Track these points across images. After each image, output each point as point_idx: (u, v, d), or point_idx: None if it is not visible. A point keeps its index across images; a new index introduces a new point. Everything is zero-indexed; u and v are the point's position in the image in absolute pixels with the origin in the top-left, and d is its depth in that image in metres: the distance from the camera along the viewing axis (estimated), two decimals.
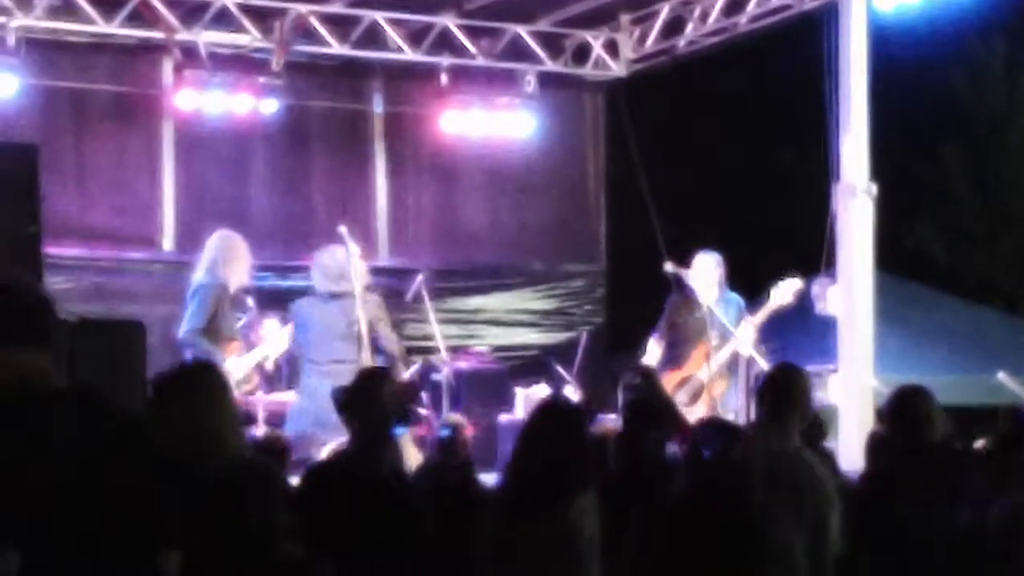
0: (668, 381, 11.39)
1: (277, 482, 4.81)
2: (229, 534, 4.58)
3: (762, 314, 11.69)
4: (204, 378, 4.96)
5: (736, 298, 11.96)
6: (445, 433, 8.60)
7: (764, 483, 6.31)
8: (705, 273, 11.78)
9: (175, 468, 4.26)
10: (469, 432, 8.82)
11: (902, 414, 6.94)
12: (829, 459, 7.63)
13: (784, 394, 6.55)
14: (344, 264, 10.70)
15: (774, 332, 11.85)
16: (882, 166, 12.24)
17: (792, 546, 6.31)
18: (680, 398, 11.22)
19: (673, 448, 7.24)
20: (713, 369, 11.53)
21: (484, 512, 6.47)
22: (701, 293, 11.67)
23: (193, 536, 4.34)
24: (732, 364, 11.65)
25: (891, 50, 12.94)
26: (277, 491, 4.74)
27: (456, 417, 9.38)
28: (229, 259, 10.81)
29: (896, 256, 16.34)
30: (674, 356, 11.87)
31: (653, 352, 11.93)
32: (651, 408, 7.82)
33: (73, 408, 3.44)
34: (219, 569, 4.54)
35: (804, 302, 12.10)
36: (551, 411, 6.63)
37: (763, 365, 11.31)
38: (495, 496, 6.59)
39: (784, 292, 11.70)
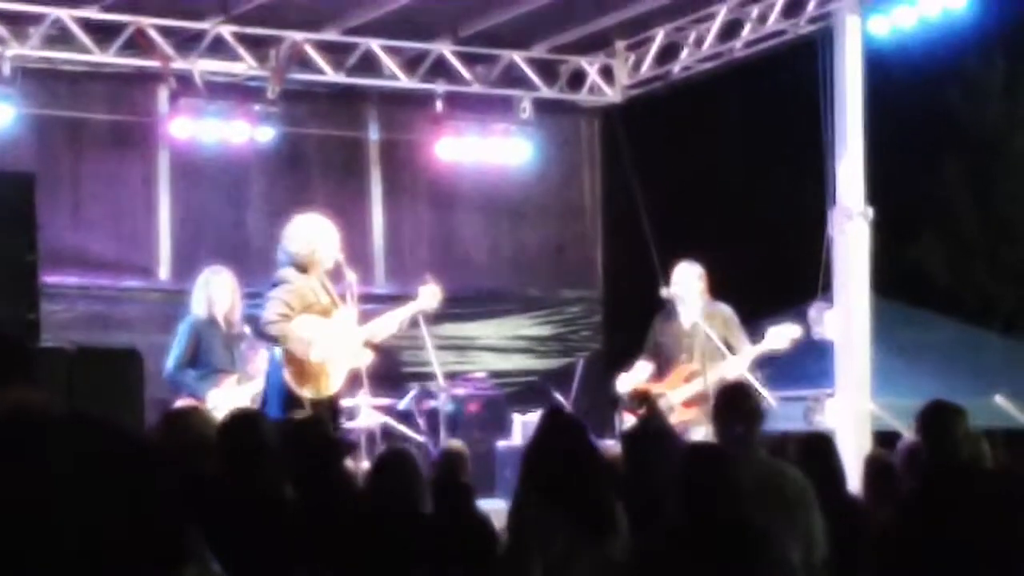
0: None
1: None
2: None
3: (754, 351, 11.07)
4: None
5: (723, 310, 11.26)
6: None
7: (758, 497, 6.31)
8: (687, 283, 11.15)
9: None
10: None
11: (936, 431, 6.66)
12: None
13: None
14: None
15: (771, 356, 11.66)
16: (881, 185, 12.24)
17: (790, 558, 6.31)
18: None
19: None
20: (690, 391, 10.93)
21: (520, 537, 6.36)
22: (684, 303, 11.06)
23: None
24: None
25: (888, 68, 12.95)
26: None
27: (456, 442, 9.38)
28: (213, 293, 10.84)
29: (895, 275, 16.33)
30: (657, 373, 11.22)
31: (643, 368, 11.29)
32: (658, 433, 7.79)
33: (71, 434, 3.39)
34: None
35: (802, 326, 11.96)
36: (558, 421, 6.60)
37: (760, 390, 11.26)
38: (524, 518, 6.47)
39: (781, 338, 11.10)
